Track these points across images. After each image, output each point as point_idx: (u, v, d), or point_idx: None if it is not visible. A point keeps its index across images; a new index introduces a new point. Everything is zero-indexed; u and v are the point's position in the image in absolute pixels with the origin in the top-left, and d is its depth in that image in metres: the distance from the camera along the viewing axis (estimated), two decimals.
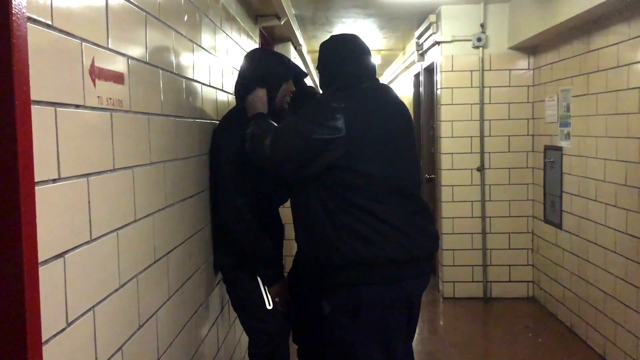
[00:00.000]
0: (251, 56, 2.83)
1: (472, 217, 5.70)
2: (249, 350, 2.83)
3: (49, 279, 1.24)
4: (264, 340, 2.76)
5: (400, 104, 2.53)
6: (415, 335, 4.79)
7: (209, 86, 2.76)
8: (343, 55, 2.51)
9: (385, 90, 2.57)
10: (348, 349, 2.36)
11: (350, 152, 2.25)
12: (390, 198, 2.30)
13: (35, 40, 1.20)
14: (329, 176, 2.29)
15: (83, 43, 1.42)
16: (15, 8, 1.11)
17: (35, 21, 1.21)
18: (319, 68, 2.61)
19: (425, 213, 2.43)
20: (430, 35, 5.93)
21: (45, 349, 1.22)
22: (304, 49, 7.05)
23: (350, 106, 2.29)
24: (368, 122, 2.30)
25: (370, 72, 2.53)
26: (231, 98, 3.30)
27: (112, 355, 1.58)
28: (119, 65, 1.65)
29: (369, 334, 2.33)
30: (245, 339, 3.59)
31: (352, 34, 2.63)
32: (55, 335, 1.27)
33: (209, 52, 2.77)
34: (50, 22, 1.27)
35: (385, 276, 2.28)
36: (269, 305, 2.73)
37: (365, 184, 2.27)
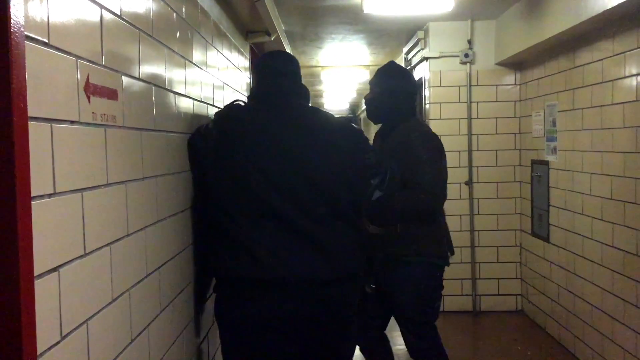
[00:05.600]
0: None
1: (460, 230, 5.74)
2: None
3: (43, 292, 1.26)
4: None
5: (308, 129, 2.43)
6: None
7: (200, 101, 2.79)
8: (254, 75, 2.70)
9: (283, 112, 2.46)
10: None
11: (221, 167, 2.34)
12: (258, 221, 2.31)
13: (33, 57, 1.22)
14: (210, 193, 2.42)
15: (78, 60, 1.45)
16: (14, 27, 1.13)
17: (32, 39, 1.23)
18: None
19: (308, 240, 2.32)
20: (419, 51, 6.00)
21: None
22: None
23: (225, 121, 2.42)
24: (238, 141, 2.35)
25: (268, 94, 2.52)
26: None
27: None
28: (112, 81, 1.67)
29: (227, 347, 2.51)
30: None
31: (275, 52, 2.81)
32: (49, 349, 1.28)
33: (201, 68, 2.80)
34: (47, 40, 1.29)
35: (234, 292, 2.37)
36: None
37: (231, 202, 2.34)
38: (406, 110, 3.32)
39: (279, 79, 2.53)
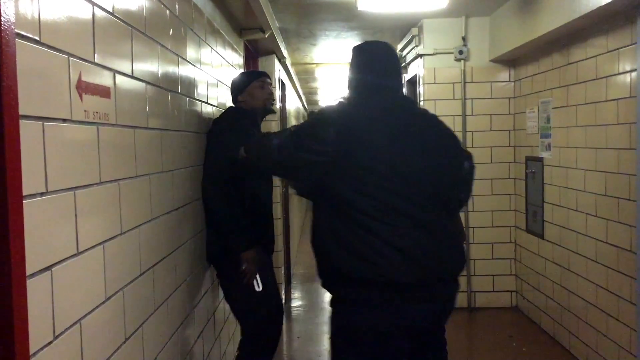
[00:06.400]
0: None
1: None
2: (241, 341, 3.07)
3: (36, 292, 1.25)
4: (253, 325, 2.97)
5: (418, 119, 2.35)
6: None
7: (194, 99, 2.78)
8: (356, 67, 2.42)
9: (398, 104, 2.37)
10: None
11: (344, 167, 2.15)
12: (391, 216, 2.13)
13: (24, 55, 1.21)
14: (332, 192, 2.19)
15: (70, 58, 1.44)
16: (4, 24, 1.12)
17: (23, 37, 1.22)
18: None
19: (436, 234, 2.19)
20: (413, 48, 6.00)
21: None
22: (288, 62, 7.09)
23: (343, 120, 2.21)
24: (361, 137, 2.17)
25: (381, 86, 2.37)
26: (216, 110, 3.32)
27: None
28: (105, 79, 1.66)
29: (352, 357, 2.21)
30: (230, 350, 3.59)
31: (379, 43, 2.52)
32: (42, 348, 1.27)
33: (194, 65, 2.79)
34: (38, 38, 1.29)
35: (380, 297, 2.12)
36: (259, 287, 2.89)
37: (362, 200, 2.13)
38: None
39: (387, 74, 2.40)
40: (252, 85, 3.12)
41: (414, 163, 2.21)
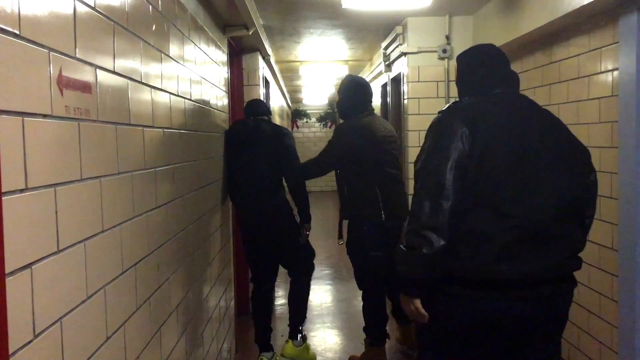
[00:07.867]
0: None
1: None
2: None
3: (15, 290, 1.23)
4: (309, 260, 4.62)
5: (537, 116, 2.42)
6: (387, 342, 4.76)
7: (177, 96, 2.76)
8: (465, 68, 2.55)
9: (518, 101, 2.44)
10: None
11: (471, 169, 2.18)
12: (493, 213, 2.18)
13: (2, 49, 1.19)
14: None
15: (51, 52, 1.41)
16: None
17: (2, 30, 1.20)
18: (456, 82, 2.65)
19: (543, 239, 2.23)
20: (397, 46, 6.01)
21: None
22: (272, 59, 7.07)
23: (474, 121, 2.22)
24: (493, 139, 2.21)
25: (497, 76, 2.46)
26: (197, 107, 3.29)
27: None
28: (86, 74, 1.64)
29: (442, 347, 2.33)
30: (213, 350, 3.58)
31: (483, 44, 2.67)
32: (22, 347, 1.25)
33: (177, 62, 2.77)
34: (17, 32, 1.26)
35: (470, 291, 2.21)
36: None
37: (477, 203, 2.18)
38: (352, 111, 4.45)
39: (501, 65, 2.49)
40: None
41: (540, 161, 2.24)
